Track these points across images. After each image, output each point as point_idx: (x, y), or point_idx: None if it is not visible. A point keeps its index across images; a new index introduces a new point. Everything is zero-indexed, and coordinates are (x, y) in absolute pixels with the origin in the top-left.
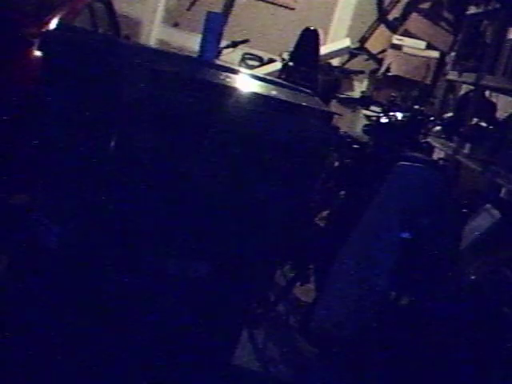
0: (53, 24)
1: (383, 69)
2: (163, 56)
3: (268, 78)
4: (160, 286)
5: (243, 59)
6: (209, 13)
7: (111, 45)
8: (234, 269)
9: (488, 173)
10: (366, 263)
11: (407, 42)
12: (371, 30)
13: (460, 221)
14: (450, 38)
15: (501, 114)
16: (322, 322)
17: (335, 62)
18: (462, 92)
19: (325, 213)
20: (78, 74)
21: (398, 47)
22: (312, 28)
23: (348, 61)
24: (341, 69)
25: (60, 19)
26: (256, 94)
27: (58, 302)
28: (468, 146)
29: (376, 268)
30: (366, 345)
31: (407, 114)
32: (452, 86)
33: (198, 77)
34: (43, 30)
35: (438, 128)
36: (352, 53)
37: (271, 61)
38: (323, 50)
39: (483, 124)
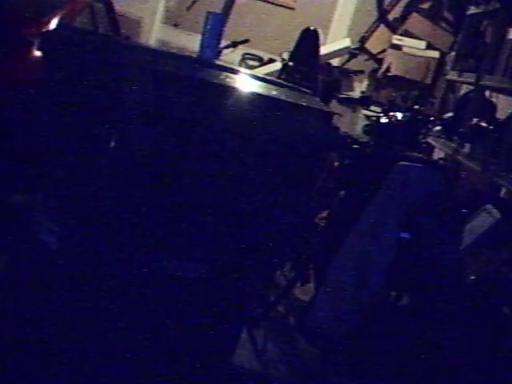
0: (53, 24)
1: (383, 69)
2: (163, 56)
3: (268, 78)
4: (159, 286)
5: (243, 59)
6: (209, 13)
7: (111, 45)
8: (233, 269)
9: (488, 173)
10: (364, 262)
11: (407, 41)
12: (371, 30)
13: (460, 221)
14: (450, 37)
15: (501, 114)
16: (318, 321)
17: (335, 62)
18: (462, 92)
19: (325, 213)
20: (78, 74)
21: (398, 47)
22: (312, 28)
23: (348, 61)
24: (341, 69)
25: (60, 19)
26: (256, 94)
27: (57, 302)
28: (468, 146)
29: (374, 267)
30: (365, 343)
31: (407, 114)
32: (452, 86)
33: (197, 77)
34: (43, 29)
35: (438, 128)
36: (352, 53)
37: (271, 61)
38: (323, 49)
39: (483, 124)
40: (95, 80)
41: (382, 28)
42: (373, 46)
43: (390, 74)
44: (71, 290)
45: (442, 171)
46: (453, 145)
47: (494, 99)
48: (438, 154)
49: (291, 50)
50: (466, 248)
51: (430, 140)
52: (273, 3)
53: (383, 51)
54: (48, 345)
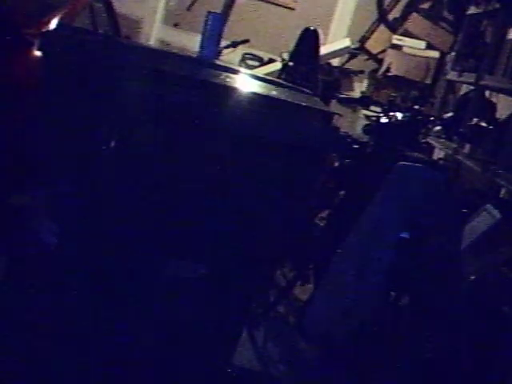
0: (53, 24)
1: (383, 69)
2: (163, 56)
3: (268, 78)
4: (159, 287)
5: (243, 59)
6: (209, 13)
7: (111, 45)
8: (233, 269)
9: (488, 173)
10: (364, 262)
11: (407, 41)
12: (371, 30)
13: (460, 221)
14: (449, 37)
15: (501, 114)
16: (318, 321)
17: (335, 62)
18: (462, 92)
19: (325, 213)
20: (78, 74)
21: (398, 47)
22: (312, 28)
23: (348, 61)
24: (341, 69)
25: (60, 19)
26: (256, 94)
27: (57, 302)
28: (468, 146)
29: (374, 267)
30: (364, 343)
31: (407, 114)
32: (452, 86)
33: (198, 77)
34: (43, 29)
35: (438, 128)
36: (352, 53)
37: (271, 61)
38: (323, 49)
39: (483, 124)
40: (95, 80)
41: (382, 28)
42: (373, 46)
43: (389, 74)
44: (71, 290)
45: (442, 171)
46: (453, 145)
47: (494, 99)
48: (437, 154)
49: (291, 50)
50: (466, 248)
51: (429, 140)
52: (273, 3)
53: (383, 51)
54: (48, 345)
